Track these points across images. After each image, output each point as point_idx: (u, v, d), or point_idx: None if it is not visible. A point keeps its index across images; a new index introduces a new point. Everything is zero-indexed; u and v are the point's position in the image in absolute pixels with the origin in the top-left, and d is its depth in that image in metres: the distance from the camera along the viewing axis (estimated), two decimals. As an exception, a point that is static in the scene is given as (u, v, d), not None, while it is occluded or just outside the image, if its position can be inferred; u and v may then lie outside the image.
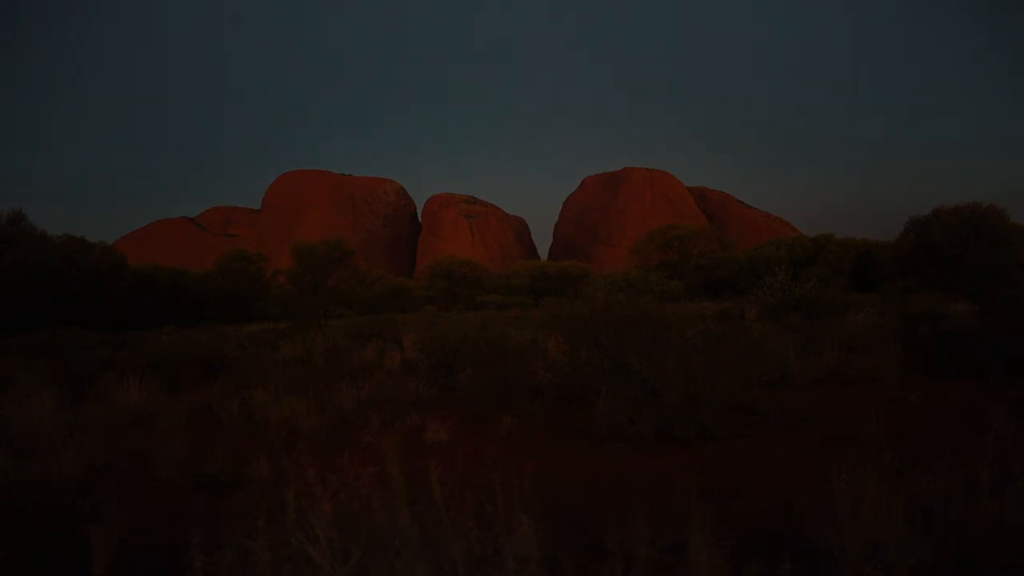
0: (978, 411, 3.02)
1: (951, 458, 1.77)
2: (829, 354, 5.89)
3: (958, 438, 2.43)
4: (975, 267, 23.88)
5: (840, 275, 33.05)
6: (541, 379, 4.84)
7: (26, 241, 25.74)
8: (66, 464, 3.20)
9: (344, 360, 7.49)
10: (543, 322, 10.33)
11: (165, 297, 29.49)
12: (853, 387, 5.19)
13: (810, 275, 13.18)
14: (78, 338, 11.61)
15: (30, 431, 3.73)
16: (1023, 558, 1.59)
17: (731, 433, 3.64)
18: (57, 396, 4.27)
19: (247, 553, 1.37)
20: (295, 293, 31.33)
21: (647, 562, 1.40)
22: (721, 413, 3.69)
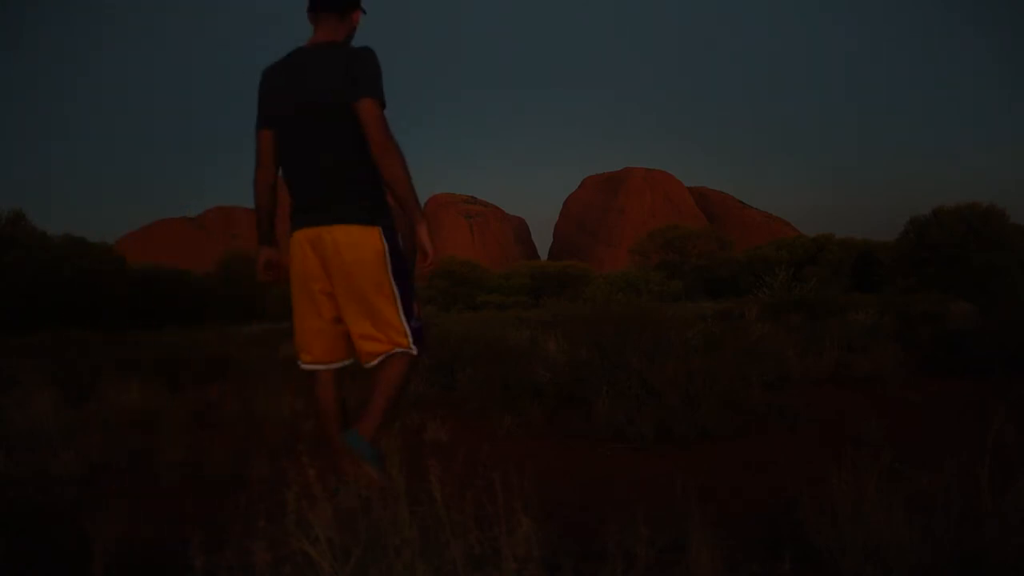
0: (978, 411, 3.02)
1: (951, 458, 1.77)
2: (829, 354, 5.89)
3: (958, 438, 2.43)
4: (975, 267, 23.87)
5: (840, 275, 33.02)
6: (541, 379, 4.84)
7: (26, 241, 25.73)
8: (66, 464, 3.20)
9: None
10: (543, 322, 10.32)
11: (165, 297, 29.46)
12: (853, 387, 5.19)
13: (810, 275, 13.17)
14: (78, 338, 11.61)
15: (30, 431, 3.73)
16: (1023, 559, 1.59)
17: (731, 433, 3.64)
18: (57, 396, 4.26)
19: (247, 553, 1.37)
20: (295, 293, 31.19)
21: (647, 561, 1.40)
22: (721, 413, 3.69)
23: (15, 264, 24.08)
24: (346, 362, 2.42)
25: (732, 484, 2.78)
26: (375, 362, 2.27)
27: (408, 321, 2.30)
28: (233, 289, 32.55)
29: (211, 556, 1.36)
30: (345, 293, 2.29)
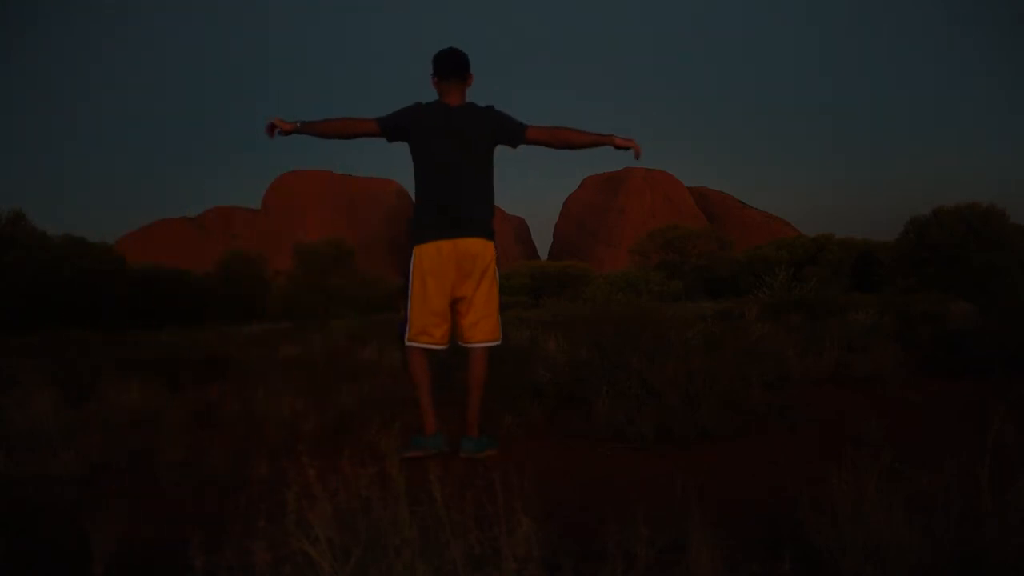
0: (978, 411, 3.02)
1: (951, 458, 1.77)
2: (829, 354, 5.88)
3: (958, 438, 2.43)
4: (975, 267, 23.85)
5: (840, 275, 32.98)
6: (541, 379, 4.83)
7: (26, 241, 25.74)
8: (66, 464, 3.20)
9: (344, 360, 7.49)
10: (543, 322, 10.32)
11: (165, 297, 29.45)
12: (853, 387, 5.19)
13: (810, 275, 13.16)
14: (78, 338, 11.61)
15: (30, 431, 3.73)
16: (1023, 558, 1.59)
17: (731, 433, 3.63)
18: (57, 396, 4.26)
19: (247, 553, 1.37)
20: (295, 293, 31.32)
21: (647, 561, 1.40)
22: (721, 413, 3.69)
23: (15, 264, 24.09)
24: (444, 347, 3.39)
25: (732, 484, 2.78)
26: (474, 345, 3.32)
27: (498, 312, 3.35)
28: (233, 289, 32.57)
29: (211, 556, 1.36)
30: (468, 288, 3.23)
